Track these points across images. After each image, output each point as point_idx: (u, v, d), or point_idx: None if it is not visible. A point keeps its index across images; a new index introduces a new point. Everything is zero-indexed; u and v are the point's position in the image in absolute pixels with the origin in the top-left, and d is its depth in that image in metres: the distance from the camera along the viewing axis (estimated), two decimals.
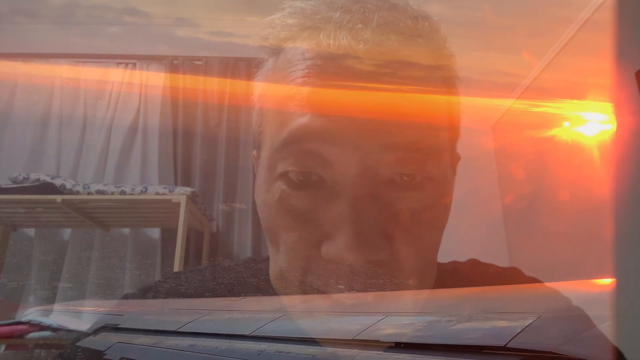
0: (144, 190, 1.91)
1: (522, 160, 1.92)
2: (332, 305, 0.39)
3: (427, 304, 0.35)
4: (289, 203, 0.43)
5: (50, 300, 1.98)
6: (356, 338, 0.29)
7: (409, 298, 0.39)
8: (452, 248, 0.47)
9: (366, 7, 0.44)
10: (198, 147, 2.23)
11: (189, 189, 1.92)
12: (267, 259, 0.54)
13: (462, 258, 0.54)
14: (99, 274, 2.01)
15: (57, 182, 1.86)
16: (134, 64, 2.32)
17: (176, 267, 1.84)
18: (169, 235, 2.01)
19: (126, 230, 2.11)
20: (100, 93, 2.28)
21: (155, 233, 2.11)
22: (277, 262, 0.46)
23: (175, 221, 1.83)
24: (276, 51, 0.48)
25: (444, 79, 0.48)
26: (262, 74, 0.50)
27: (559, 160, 1.76)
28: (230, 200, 2.18)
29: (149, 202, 1.91)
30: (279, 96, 0.45)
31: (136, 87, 2.29)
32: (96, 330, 0.48)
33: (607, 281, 0.27)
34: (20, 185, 1.85)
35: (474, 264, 0.58)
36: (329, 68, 0.43)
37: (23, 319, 1.80)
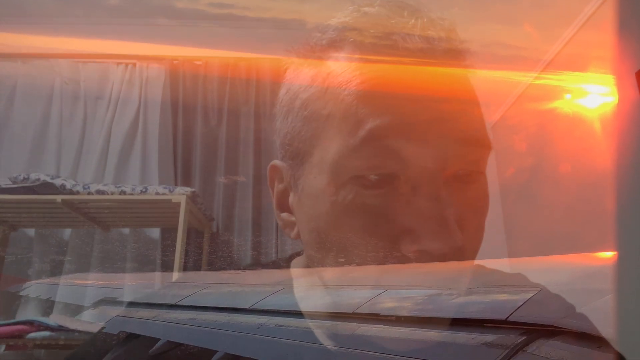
0: (144, 190, 1.91)
1: (523, 133, 1.91)
2: (332, 278, 0.39)
3: (428, 277, 0.35)
4: (364, 203, 0.44)
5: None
6: (356, 312, 0.29)
7: (409, 271, 0.39)
8: None
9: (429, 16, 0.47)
10: (198, 147, 2.23)
11: (189, 189, 1.92)
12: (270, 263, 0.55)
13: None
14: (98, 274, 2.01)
15: (57, 182, 1.86)
16: (134, 64, 2.32)
17: (176, 268, 1.84)
18: (169, 235, 2.01)
19: (126, 230, 2.11)
20: (100, 93, 2.28)
21: (155, 233, 2.10)
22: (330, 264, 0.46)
23: (175, 221, 1.83)
24: (322, 58, 0.49)
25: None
26: (303, 82, 0.50)
27: (560, 132, 1.75)
28: (230, 200, 2.18)
29: (149, 202, 1.91)
30: (344, 100, 0.45)
31: (136, 87, 2.29)
32: (95, 304, 0.48)
33: (609, 254, 0.27)
34: (20, 185, 1.85)
35: None
36: (402, 69, 0.45)
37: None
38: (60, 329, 1.78)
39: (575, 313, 0.23)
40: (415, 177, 0.43)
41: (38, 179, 1.86)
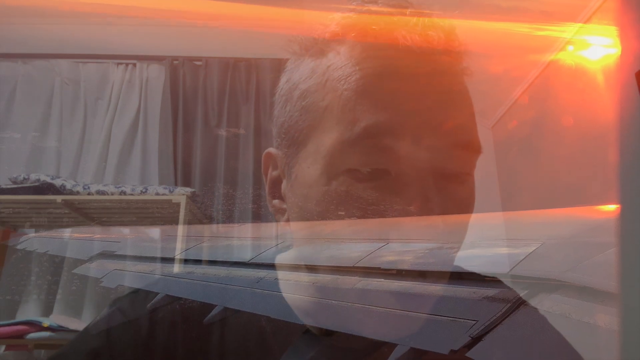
0: (144, 190, 1.91)
1: (525, 85, 1.90)
2: (332, 232, 0.39)
3: (429, 230, 0.34)
4: (355, 195, 0.44)
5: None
6: (357, 265, 0.28)
7: (410, 225, 0.39)
8: None
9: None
10: (198, 147, 2.23)
11: (189, 189, 1.92)
12: None
13: None
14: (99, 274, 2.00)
15: (57, 182, 1.85)
16: (134, 64, 2.33)
17: (176, 268, 1.83)
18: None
19: (126, 231, 2.10)
20: (100, 93, 2.29)
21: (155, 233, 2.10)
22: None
23: (175, 221, 1.82)
24: (324, 50, 0.50)
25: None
26: (303, 73, 0.51)
27: (562, 84, 1.74)
28: (230, 200, 2.17)
29: (149, 202, 1.90)
30: (342, 94, 0.46)
31: (136, 87, 2.29)
32: (92, 257, 0.47)
33: (612, 207, 0.27)
34: (20, 185, 1.84)
35: None
36: (401, 67, 0.46)
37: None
38: (60, 329, 1.78)
39: (578, 267, 0.23)
40: (406, 174, 0.44)
41: (38, 179, 1.85)
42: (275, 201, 0.53)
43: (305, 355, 0.35)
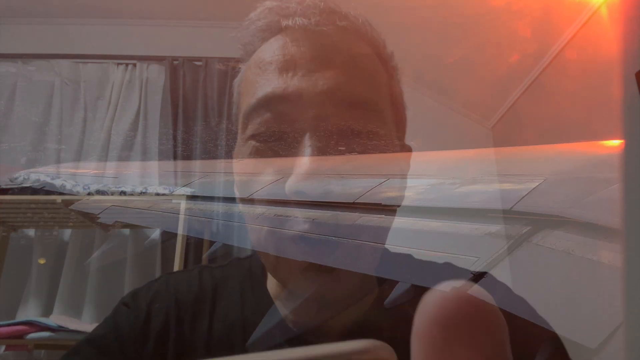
0: (144, 190, 1.91)
1: (527, 19, 1.89)
2: (332, 167, 0.39)
3: (430, 166, 0.34)
4: (259, 153, 0.52)
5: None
6: (357, 201, 0.28)
7: (411, 160, 0.39)
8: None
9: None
10: (198, 147, 2.22)
11: (189, 189, 1.91)
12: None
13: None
14: (99, 274, 2.00)
15: (57, 182, 1.85)
16: (134, 64, 2.33)
17: (176, 268, 1.83)
18: (169, 236, 2.00)
19: (126, 231, 2.10)
20: (100, 93, 2.29)
21: (155, 233, 2.10)
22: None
23: (175, 221, 1.81)
24: (251, 52, 0.59)
25: (386, 66, 0.59)
26: (241, 73, 0.61)
27: (565, 17, 1.73)
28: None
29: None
30: (251, 80, 0.55)
31: (136, 87, 2.29)
32: (90, 193, 0.48)
33: (615, 142, 0.27)
34: (20, 185, 1.84)
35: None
36: (289, 47, 0.54)
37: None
38: (60, 329, 1.77)
39: (581, 203, 0.23)
40: (298, 132, 0.50)
41: (38, 179, 1.85)
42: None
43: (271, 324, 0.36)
